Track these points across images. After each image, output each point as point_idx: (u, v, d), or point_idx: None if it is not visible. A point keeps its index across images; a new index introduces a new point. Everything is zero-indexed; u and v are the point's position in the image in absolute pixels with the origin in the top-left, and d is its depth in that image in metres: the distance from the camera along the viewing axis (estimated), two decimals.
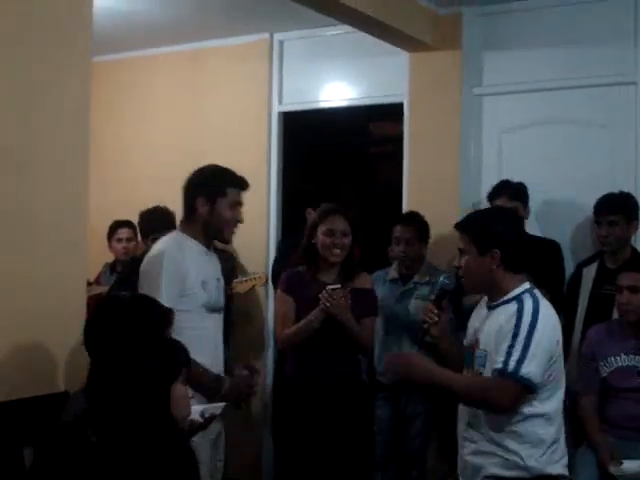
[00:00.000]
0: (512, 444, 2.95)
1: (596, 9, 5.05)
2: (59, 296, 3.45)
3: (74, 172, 3.55)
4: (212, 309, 3.57)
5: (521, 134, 5.28)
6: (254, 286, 5.53)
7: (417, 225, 4.93)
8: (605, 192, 4.70)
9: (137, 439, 2.26)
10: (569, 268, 4.93)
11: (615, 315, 4.29)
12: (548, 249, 4.87)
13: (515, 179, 4.94)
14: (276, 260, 5.69)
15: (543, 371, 2.91)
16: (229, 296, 4.80)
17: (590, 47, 5.08)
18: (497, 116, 5.38)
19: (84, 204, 3.61)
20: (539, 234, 4.96)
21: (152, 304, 2.68)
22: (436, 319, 3.22)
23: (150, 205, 5.31)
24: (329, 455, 3.99)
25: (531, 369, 2.87)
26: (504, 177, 5.02)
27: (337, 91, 5.99)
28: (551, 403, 2.99)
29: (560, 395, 3.03)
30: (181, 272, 3.44)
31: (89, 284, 4.43)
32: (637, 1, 4.94)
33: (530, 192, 4.89)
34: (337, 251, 4.06)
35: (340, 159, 6.78)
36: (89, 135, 3.62)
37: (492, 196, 4.89)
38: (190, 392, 2.52)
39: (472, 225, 3.13)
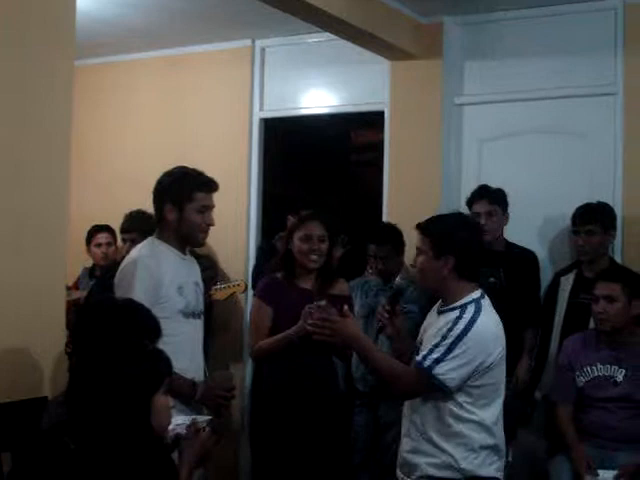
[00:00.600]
0: (448, 446, 3.03)
1: (577, 20, 5.10)
2: (39, 301, 3.43)
3: (55, 175, 3.54)
4: (190, 314, 3.55)
5: (501, 143, 5.31)
6: (234, 293, 5.52)
7: (392, 242, 4.92)
8: (584, 202, 4.73)
9: (116, 447, 2.23)
10: (546, 277, 4.95)
11: (592, 324, 4.32)
12: (525, 260, 4.89)
13: (494, 187, 4.96)
14: (256, 266, 5.68)
15: (463, 378, 2.98)
16: (209, 303, 4.80)
17: (571, 57, 5.12)
18: (478, 125, 5.41)
19: (64, 208, 3.60)
20: (517, 242, 4.99)
21: (140, 311, 2.65)
22: (387, 318, 3.34)
23: (130, 209, 5.31)
24: (306, 462, 3.98)
25: (446, 372, 2.96)
26: None
27: (318, 98, 6.00)
28: (488, 411, 3.06)
29: (498, 404, 3.10)
30: (155, 279, 3.42)
31: (67, 288, 4.41)
32: (617, 13, 4.98)
33: (509, 201, 4.91)
34: (314, 257, 4.04)
35: (321, 166, 6.79)
36: (70, 139, 3.60)
37: (471, 200, 4.91)
38: (171, 402, 2.48)
39: (433, 228, 3.19)
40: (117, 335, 2.42)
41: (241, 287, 5.52)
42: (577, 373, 4.18)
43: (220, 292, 5.49)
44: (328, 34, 5.28)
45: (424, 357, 2.99)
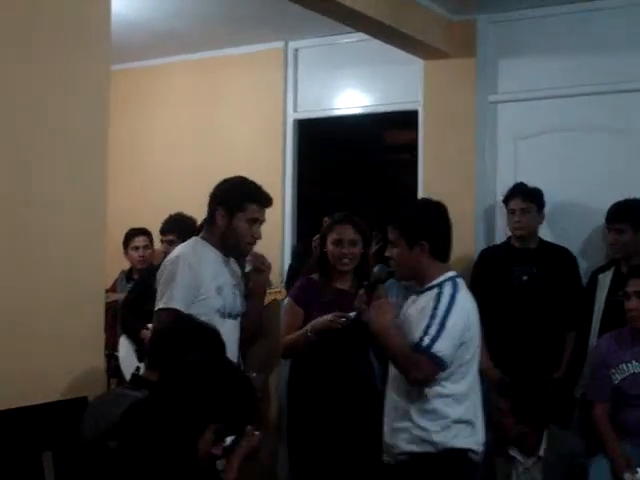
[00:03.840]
0: (423, 421, 3.16)
1: (611, 15, 5.05)
2: (78, 303, 3.48)
3: (93, 179, 3.58)
4: (227, 314, 3.59)
5: (536, 141, 5.28)
6: (274, 299, 5.52)
7: None
8: (620, 199, 4.70)
9: (161, 454, 2.25)
10: (582, 274, 4.93)
11: None
12: (564, 257, 4.88)
13: (530, 185, 4.95)
14: (290, 267, 5.70)
15: (454, 351, 3.12)
16: None
17: (605, 53, 5.08)
18: (512, 123, 5.38)
19: (103, 212, 3.64)
20: (553, 240, 4.97)
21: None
22: (364, 307, 3.47)
23: (166, 213, 5.36)
24: (343, 461, 3.99)
25: (443, 347, 3.09)
26: None
27: (352, 99, 6.00)
28: (461, 385, 3.19)
29: (470, 378, 3.23)
30: (196, 276, 3.48)
31: (105, 291, 4.46)
32: None
33: (545, 198, 4.91)
34: (346, 261, 4.07)
35: (355, 166, 6.80)
36: (107, 143, 3.65)
37: (507, 198, 4.97)
38: (218, 450, 2.45)
39: (401, 219, 3.31)
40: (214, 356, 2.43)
41: (282, 293, 5.51)
42: (612, 371, 4.15)
43: None
44: (361, 34, 5.29)
45: (421, 338, 3.09)
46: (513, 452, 3.97)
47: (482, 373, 4.73)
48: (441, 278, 3.22)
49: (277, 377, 5.75)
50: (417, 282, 3.33)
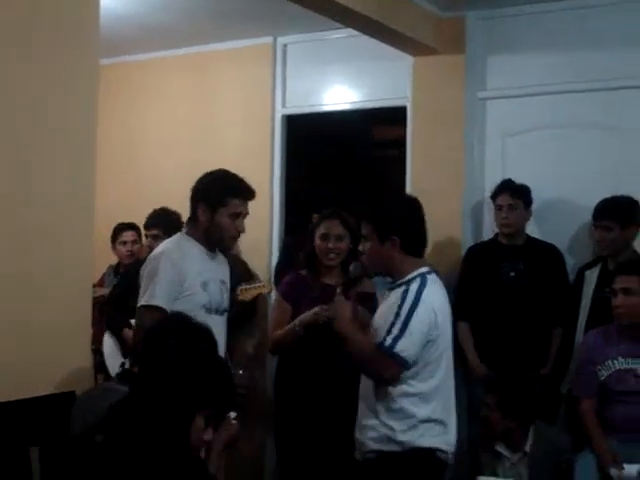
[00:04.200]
0: (389, 420, 3.16)
1: (603, 12, 5.05)
2: (66, 298, 3.48)
3: (81, 174, 3.58)
4: (213, 310, 3.58)
5: (525, 137, 5.29)
6: (259, 294, 5.52)
7: None
8: (608, 196, 4.71)
9: (151, 447, 2.24)
10: (569, 271, 4.94)
11: None
12: (550, 254, 4.90)
13: (518, 182, 4.96)
14: (278, 263, 5.70)
15: (419, 350, 3.11)
16: (237, 302, 4.82)
17: (597, 50, 5.08)
18: (501, 120, 5.39)
19: (91, 206, 3.64)
20: (540, 237, 5.00)
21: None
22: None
23: (154, 207, 5.35)
24: (330, 458, 4.00)
25: (406, 346, 3.08)
26: None
27: (340, 94, 6.00)
28: (429, 384, 3.18)
29: (438, 376, 3.21)
30: (179, 272, 3.47)
31: (93, 286, 4.46)
32: None
33: (533, 195, 4.93)
34: (332, 255, 4.09)
35: (343, 162, 6.79)
36: (96, 138, 3.64)
37: (494, 194, 4.99)
38: (209, 434, 2.44)
39: (373, 214, 3.30)
40: (196, 346, 2.41)
41: (266, 288, 5.51)
42: (598, 367, 4.16)
43: (246, 292, 5.48)
44: (350, 30, 5.29)
45: (384, 338, 3.10)
46: (499, 447, 3.98)
47: (468, 369, 4.83)
48: (412, 274, 3.21)
49: (264, 372, 5.75)
50: (390, 277, 3.34)
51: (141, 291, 3.50)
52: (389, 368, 3.12)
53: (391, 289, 3.29)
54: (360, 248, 3.40)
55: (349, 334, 3.24)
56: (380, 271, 3.42)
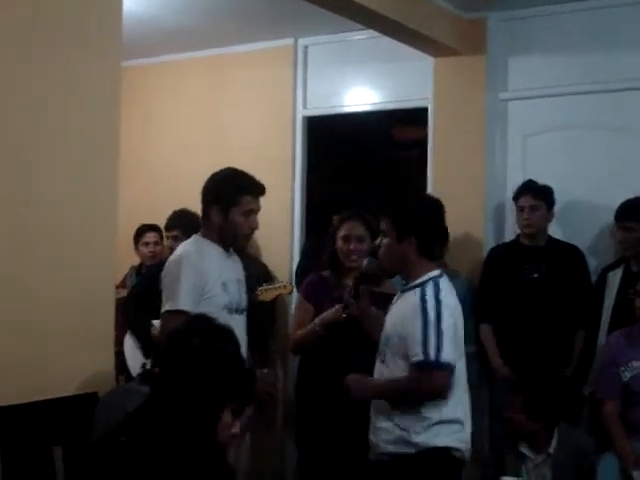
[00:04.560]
0: (404, 422, 3.16)
1: (623, 13, 5.04)
2: (88, 299, 3.49)
3: (104, 175, 3.59)
4: (234, 310, 3.59)
5: (547, 138, 5.27)
6: (280, 294, 5.53)
7: None
8: (631, 196, 4.69)
9: (177, 443, 2.24)
10: (591, 272, 4.92)
11: None
12: (572, 254, 4.88)
13: (540, 183, 4.94)
14: (300, 265, 5.70)
15: (455, 351, 3.14)
16: (257, 303, 4.83)
17: (616, 51, 5.07)
18: (522, 120, 5.38)
19: (114, 207, 3.65)
20: (562, 238, 4.98)
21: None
22: (352, 300, 3.65)
23: (175, 209, 5.39)
24: (354, 460, 3.99)
25: (447, 353, 3.08)
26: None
27: (361, 96, 6.00)
28: None
29: (455, 377, 3.20)
30: (201, 275, 3.47)
31: (115, 287, 4.48)
32: None
33: (555, 196, 4.90)
34: (354, 257, 4.07)
35: (364, 163, 6.79)
36: (118, 140, 3.65)
37: (516, 195, 4.97)
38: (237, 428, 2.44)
39: (394, 211, 3.31)
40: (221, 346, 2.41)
41: (287, 289, 5.52)
42: (622, 369, 4.14)
43: (266, 293, 5.50)
44: (370, 31, 5.30)
45: (425, 353, 3.06)
46: (523, 448, 3.96)
47: (490, 370, 4.81)
48: (423, 277, 3.21)
49: (287, 372, 5.76)
50: (402, 277, 3.35)
51: (164, 297, 3.50)
52: (440, 380, 3.11)
53: (403, 291, 3.30)
54: (377, 242, 3.41)
55: (373, 394, 3.28)
56: (394, 269, 3.41)
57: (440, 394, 3.14)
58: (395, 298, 3.40)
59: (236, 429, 2.33)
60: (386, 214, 3.32)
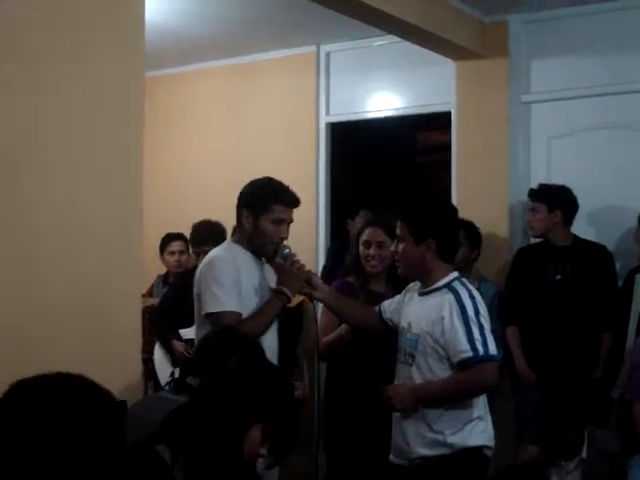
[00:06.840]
0: (437, 424, 3.18)
1: None
2: (116, 307, 3.51)
3: (130, 185, 3.61)
4: None
5: (570, 140, 5.26)
6: (303, 300, 5.52)
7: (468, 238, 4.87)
8: None
9: (207, 455, 2.26)
10: (617, 273, 4.89)
11: None
12: (599, 255, 4.84)
13: (560, 184, 4.91)
14: (324, 268, 5.71)
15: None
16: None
17: (638, 52, 5.04)
18: (546, 123, 5.37)
19: (140, 217, 3.67)
20: (588, 238, 4.94)
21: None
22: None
23: (200, 217, 5.37)
24: (383, 466, 3.98)
25: (492, 345, 3.14)
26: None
27: (384, 101, 6.01)
28: None
29: None
30: (235, 274, 3.48)
31: (142, 296, 4.50)
32: None
33: (579, 197, 4.87)
34: (374, 262, 4.05)
35: (389, 168, 6.80)
36: (142, 150, 3.67)
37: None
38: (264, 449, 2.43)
39: (411, 215, 3.32)
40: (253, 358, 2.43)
41: None
42: None
43: None
44: (392, 37, 5.31)
45: (474, 349, 3.09)
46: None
47: (516, 374, 4.79)
48: (447, 279, 3.25)
49: (315, 380, 5.75)
50: (420, 280, 3.35)
51: (204, 299, 3.48)
52: (490, 373, 3.16)
53: (423, 294, 3.30)
54: (392, 248, 3.42)
55: (426, 399, 3.23)
56: (410, 273, 3.40)
57: (492, 386, 3.22)
58: (407, 298, 3.41)
59: (264, 450, 2.33)
60: (402, 218, 3.33)
